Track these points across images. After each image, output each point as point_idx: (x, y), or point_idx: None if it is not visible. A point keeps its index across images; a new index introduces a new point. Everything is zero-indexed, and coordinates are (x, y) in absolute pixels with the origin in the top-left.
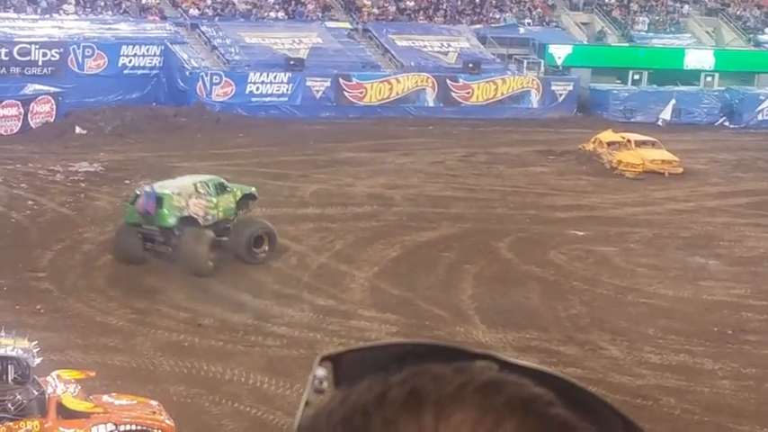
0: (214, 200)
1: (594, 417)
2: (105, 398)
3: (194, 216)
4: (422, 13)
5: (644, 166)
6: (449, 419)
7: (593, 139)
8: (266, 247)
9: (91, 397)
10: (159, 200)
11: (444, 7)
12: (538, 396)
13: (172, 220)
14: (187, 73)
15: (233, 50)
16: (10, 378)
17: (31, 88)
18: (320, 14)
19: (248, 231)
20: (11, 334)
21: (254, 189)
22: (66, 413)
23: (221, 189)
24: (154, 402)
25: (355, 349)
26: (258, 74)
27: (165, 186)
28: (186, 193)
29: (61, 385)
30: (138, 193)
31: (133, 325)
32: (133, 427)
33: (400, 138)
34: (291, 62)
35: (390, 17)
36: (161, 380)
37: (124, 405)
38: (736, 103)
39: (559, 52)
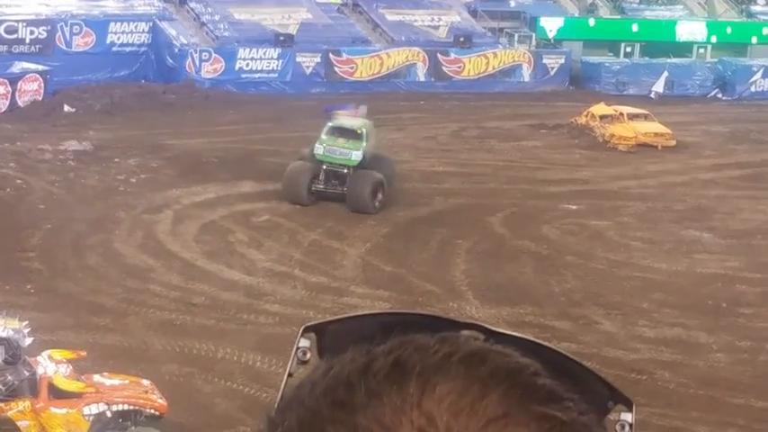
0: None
1: (582, 387)
2: (97, 378)
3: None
4: None
5: (637, 139)
6: (433, 390)
7: (585, 113)
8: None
9: (82, 377)
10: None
11: None
12: (524, 366)
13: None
14: (176, 50)
15: (222, 27)
16: (1, 359)
17: (18, 66)
18: None
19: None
20: (1, 314)
21: None
22: (57, 393)
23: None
24: (146, 382)
25: (339, 319)
26: (248, 50)
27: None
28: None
29: (52, 365)
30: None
31: (124, 304)
32: (125, 407)
33: (391, 113)
34: (281, 38)
35: None
36: (153, 359)
37: (116, 385)
38: (729, 74)
39: (551, 25)
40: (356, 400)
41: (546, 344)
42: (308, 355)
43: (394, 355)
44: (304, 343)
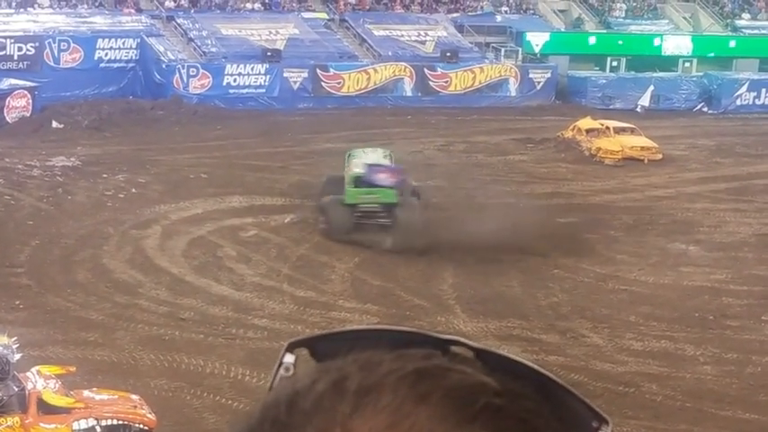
0: None
1: (559, 408)
2: (86, 393)
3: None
4: (398, 2)
5: (623, 152)
6: (365, 408)
7: (571, 127)
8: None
9: (71, 392)
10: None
11: None
12: (472, 384)
13: (393, 198)
14: (164, 65)
15: (209, 42)
16: None
17: (6, 83)
18: (296, 5)
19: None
20: None
21: None
22: (46, 409)
23: None
24: (135, 397)
25: (323, 335)
26: (235, 65)
27: (375, 160)
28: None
29: (41, 381)
30: (359, 171)
31: (113, 319)
32: (115, 422)
33: (379, 128)
34: (268, 53)
35: (367, 7)
36: (142, 374)
37: (105, 400)
38: (715, 88)
39: (537, 40)
40: (293, 419)
41: (525, 361)
42: (291, 371)
43: (339, 372)
44: (288, 359)
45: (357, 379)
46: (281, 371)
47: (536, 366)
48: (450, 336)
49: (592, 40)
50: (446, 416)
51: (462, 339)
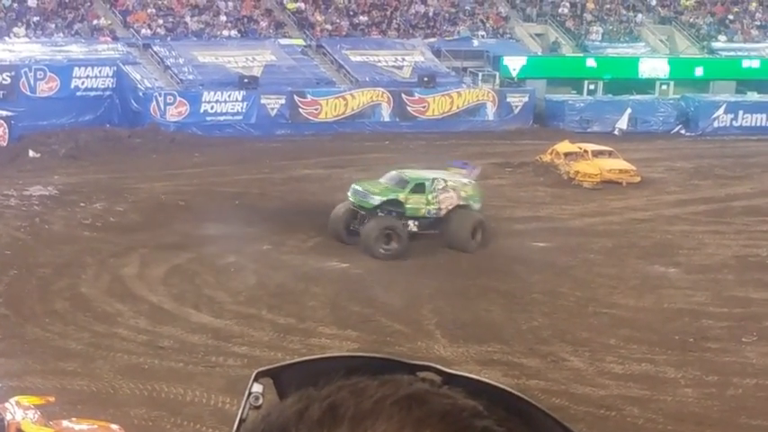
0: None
1: (534, 426)
2: (66, 423)
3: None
4: (375, 27)
5: (601, 175)
6: None
7: (550, 150)
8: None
9: (51, 422)
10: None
11: (397, 21)
12: (463, 408)
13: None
14: (140, 93)
15: (186, 70)
16: None
17: None
18: (273, 32)
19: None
20: None
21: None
22: None
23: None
24: (115, 426)
25: (292, 364)
26: (212, 93)
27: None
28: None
29: (20, 411)
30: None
31: (92, 349)
32: None
33: (357, 153)
34: (245, 80)
35: (344, 33)
36: (122, 403)
37: (85, 430)
38: (692, 110)
39: (514, 64)
40: None
41: (498, 384)
42: (260, 401)
43: (329, 399)
44: (257, 388)
45: (351, 405)
46: (251, 400)
47: (513, 390)
48: (421, 361)
49: (568, 63)
50: None
51: (434, 365)
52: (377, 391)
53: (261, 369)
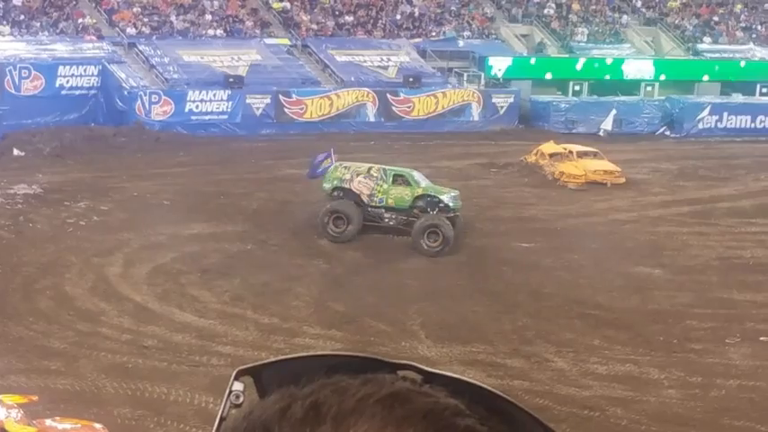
0: (384, 185)
1: (514, 426)
2: (49, 422)
3: (356, 192)
4: (360, 27)
5: (586, 176)
6: None
7: (535, 151)
8: (439, 243)
9: (34, 422)
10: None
11: (383, 21)
12: (445, 407)
13: (326, 185)
14: (125, 92)
15: (171, 69)
16: None
17: None
18: (259, 31)
19: (423, 224)
20: None
21: (446, 197)
22: None
23: (402, 181)
24: (98, 425)
25: (273, 362)
26: (197, 92)
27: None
28: (356, 170)
29: (3, 410)
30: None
31: (76, 348)
32: None
33: (342, 153)
34: (231, 80)
35: (329, 33)
36: (105, 402)
37: (68, 429)
38: (677, 112)
39: (499, 64)
40: None
41: (479, 383)
42: (241, 399)
43: (312, 398)
44: (237, 386)
45: (334, 403)
46: (232, 398)
47: (494, 389)
48: (402, 360)
49: (553, 64)
50: None
51: (414, 364)
52: (359, 389)
53: (242, 367)
